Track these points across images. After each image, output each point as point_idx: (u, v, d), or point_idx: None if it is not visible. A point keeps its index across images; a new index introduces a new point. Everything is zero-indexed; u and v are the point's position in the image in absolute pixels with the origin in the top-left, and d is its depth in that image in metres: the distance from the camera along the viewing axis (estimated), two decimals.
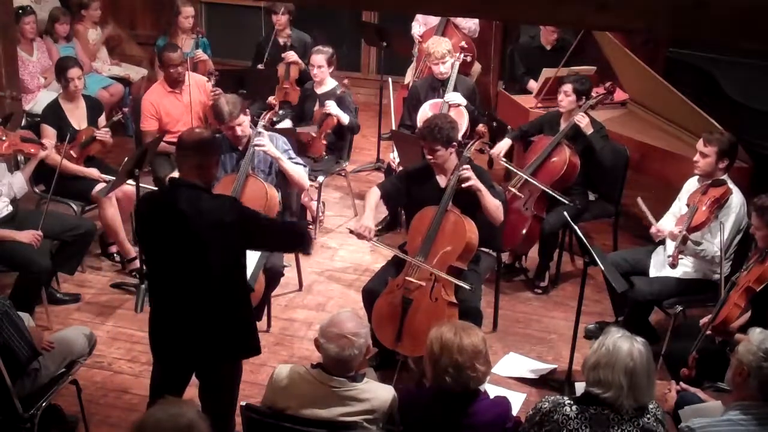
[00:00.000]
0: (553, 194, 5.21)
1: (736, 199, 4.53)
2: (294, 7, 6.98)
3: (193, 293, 3.45)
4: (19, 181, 5.01)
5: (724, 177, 4.60)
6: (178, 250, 3.41)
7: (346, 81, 6.37)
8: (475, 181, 4.46)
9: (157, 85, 6.20)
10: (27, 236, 4.71)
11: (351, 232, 4.53)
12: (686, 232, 4.38)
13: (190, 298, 3.46)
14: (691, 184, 4.77)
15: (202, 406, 3.62)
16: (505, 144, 5.77)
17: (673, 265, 4.40)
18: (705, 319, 4.07)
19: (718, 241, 4.42)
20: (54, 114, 5.48)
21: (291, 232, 3.92)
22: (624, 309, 4.80)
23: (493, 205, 4.52)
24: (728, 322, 3.91)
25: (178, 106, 6.02)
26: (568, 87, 5.38)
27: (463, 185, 4.44)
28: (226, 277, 3.48)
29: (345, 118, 6.02)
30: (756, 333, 3.11)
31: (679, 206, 4.80)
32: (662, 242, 4.77)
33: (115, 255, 5.64)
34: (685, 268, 4.60)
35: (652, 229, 4.70)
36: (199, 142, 3.49)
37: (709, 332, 3.96)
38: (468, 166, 4.48)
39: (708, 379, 3.88)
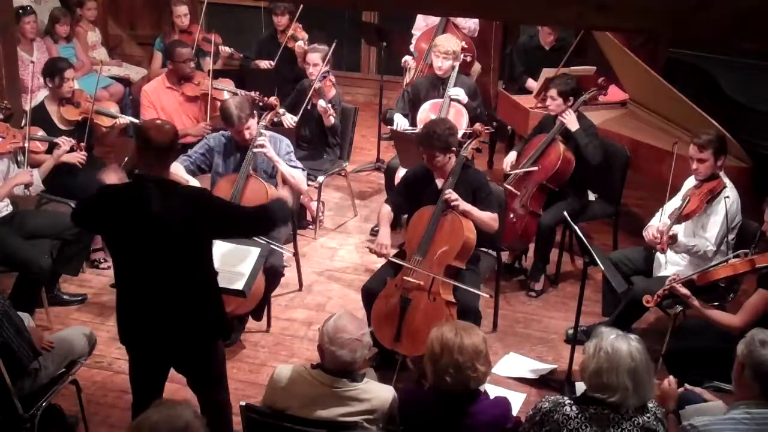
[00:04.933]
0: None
1: (731, 194, 4.52)
2: (295, 8, 6.96)
3: (161, 283, 3.42)
4: (36, 179, 4.96)
5: (718, 172, 4.61)
6: (147, 244, 3.37)
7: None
8: (460, 203, 4.45)
9: (157, 79, 6.22)
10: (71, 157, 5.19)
11: (370, 250, 4.62)
12: (674, 221, 4.51)
13: (159, 288, 3.42)
14: (691, 182, 4.77)
15: (198, 399, 3.62)
16: (512, 156, 5.68)
17: (662, 250, 4.53)
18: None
19: (710, 236, 4.47)
20: (39, 117, 5.42)
21: (262, 217, 3.75)
22: (613, 309, 4.78)
23: (481, 220, 4.50)
24: (712, 276, 4.12)
25: (174, 103, 6.03)
26: (552, 91, 5.39)
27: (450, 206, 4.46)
28: (195, 265, 3.46)
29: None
30: (754, 330, 3.14)
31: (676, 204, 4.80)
32: None
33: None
34: (685, 268, 4.60)
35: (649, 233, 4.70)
36: (171, 140, 3.45)
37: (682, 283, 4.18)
38: (451, 190, 4.46)
39: (710, 378, 3.89)
